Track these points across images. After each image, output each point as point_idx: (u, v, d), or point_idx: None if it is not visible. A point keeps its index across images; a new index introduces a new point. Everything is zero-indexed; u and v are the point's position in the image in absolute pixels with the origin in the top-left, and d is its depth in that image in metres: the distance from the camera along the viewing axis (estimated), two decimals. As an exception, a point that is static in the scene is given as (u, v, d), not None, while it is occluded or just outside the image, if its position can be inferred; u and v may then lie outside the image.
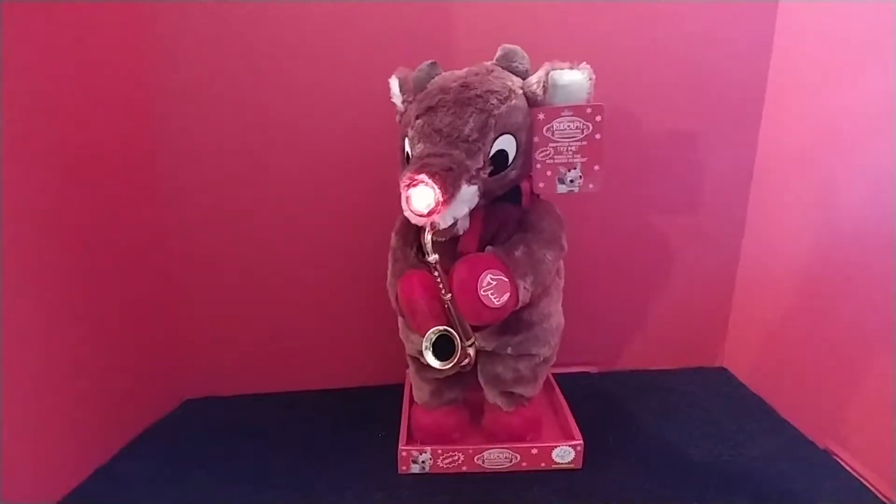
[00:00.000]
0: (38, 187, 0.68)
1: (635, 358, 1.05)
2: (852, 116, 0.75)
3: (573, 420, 0.80)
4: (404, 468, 0.75)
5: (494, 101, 0.63)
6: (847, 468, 0.75)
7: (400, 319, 0.76)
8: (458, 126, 0.62)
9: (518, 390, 0.75)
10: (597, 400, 0.94)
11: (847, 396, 0.77)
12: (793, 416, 0.87)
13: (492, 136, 0.63)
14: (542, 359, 0.74)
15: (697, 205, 0.98)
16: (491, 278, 0.62)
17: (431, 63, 0.69)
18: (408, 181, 0.58)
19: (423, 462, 0.75)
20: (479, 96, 0.63)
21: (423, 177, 0.57)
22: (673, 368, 1.05)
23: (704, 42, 0.88)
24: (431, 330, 0.63)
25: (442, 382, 0.76)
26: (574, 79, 0.64)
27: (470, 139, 0.61)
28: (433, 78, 0.68)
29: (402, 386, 0.92)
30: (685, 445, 0.81)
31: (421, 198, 0.57)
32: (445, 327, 0.63)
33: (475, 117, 0.62)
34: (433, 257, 0.61)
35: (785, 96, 0.88)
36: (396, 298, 0.69)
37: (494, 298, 0.62)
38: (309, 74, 0.87)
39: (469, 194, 0.61)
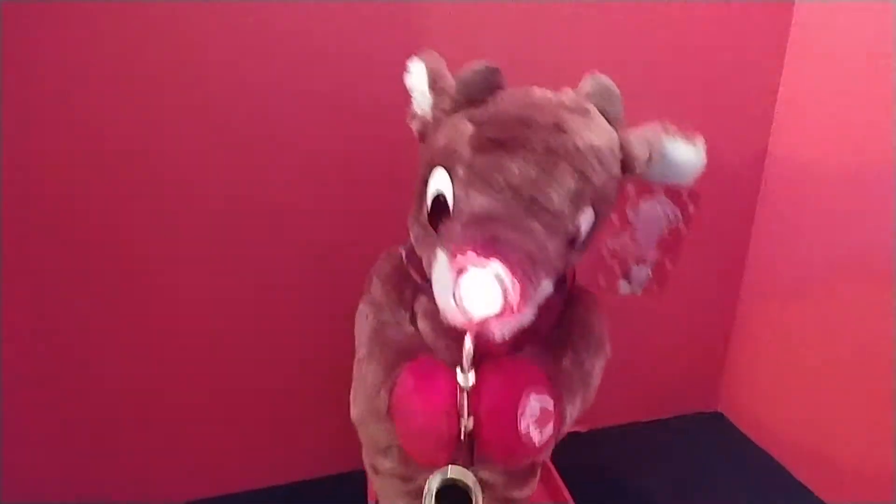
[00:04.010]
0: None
1: (626, 410, 0.95)
2: (869, 130, 0.70)
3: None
4: None
5: (595, 164, 0.43)
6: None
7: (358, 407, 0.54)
8: (544, 188, 0.41)
9: (514, 494, 0.59)
10: (590, 465, 0.83)
11: (860, 450, 0.72)
12: (803, 472, 0.83)
13: (581, 210, 0.43)
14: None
15: (695, 231, 0.86)
16: (534, 403, 0.42)
17: (492, 67, 0.46)
18: (466, 263, 0.37)
19: None
20: (580, 151, 0.42)
21: (496, 265, 0.36)
22: (667, 418, 0.97)
23: (716, 43, 0.78)
24: (440, 472, 0.45)
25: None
26: (690, 156, 0.47)
27: (557, 211, 0.41)
28: (495, 90, 0.46)
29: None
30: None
31: (487, 297, 0.37)
32: (462, 470, 0.44)
33: (570, 180, 0.42)
34: (470, 377, 0.41)
35: (798, 102, 0.81)
36: (388, 390, 0.48)
37: (535, 434, 0.43)
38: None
39: (544, 294, 0.43)
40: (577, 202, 0.42)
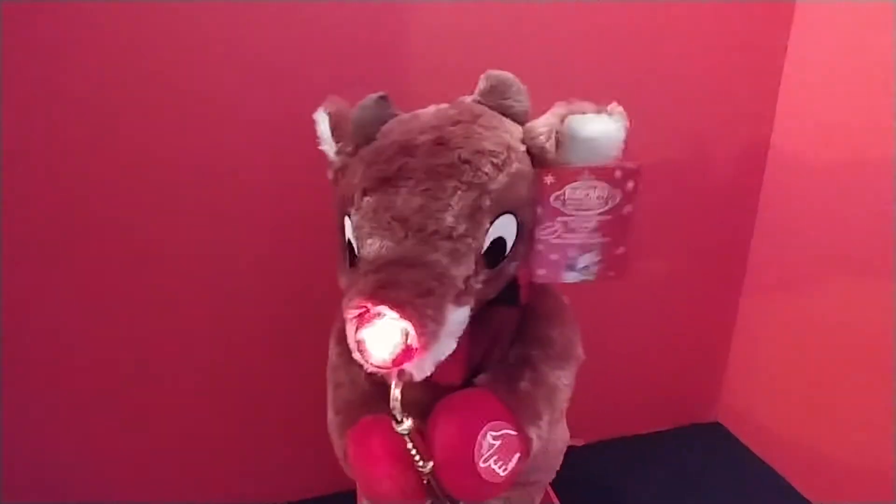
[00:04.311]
0: None
1: (623, 422, 0.92)
2: (869, 127, 0.68)
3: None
4: None
5: (489, 169, 0.41)
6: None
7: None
8: (434, 213, 0.39)
9: None
10: (587, 479, 0.82)
11: (862, 461, 0.70)
12: (803, 483, 0.81)
13: (486, 223, 0.41)
14: (541, 484, 0.57)
15: (695, 240, 0.85)
16: (492, 438, 0.41)
17: (379, 97, 0.45)
18: (357, 315, 0.36)
19: None
20: (466, 162, 0.40)
21: (383, 310, 0.35)
22: (664, 429, 0.94)
23: (719, 42, 0.77)
24: None
25: None
26: (602, 129, 0.42)
27: (455, 234, 0.39)
28: (385, 121, 0.45)
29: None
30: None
31: (383, 342, 0.36)
32: None
33: (461, 197, 0.40)
34: (405, 426, 0.40)
35: (799, 100, 0.79)
36: (345, 456, 0.46)
37: (499, 468, 0.41)
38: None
39: (459, 321, 0.40)
40: (476, 215, 0.40)
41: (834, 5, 0.72)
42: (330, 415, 0.50)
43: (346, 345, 0.49)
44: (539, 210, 0.44)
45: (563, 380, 0.49)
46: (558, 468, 0.59)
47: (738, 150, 0.82)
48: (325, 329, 0.54)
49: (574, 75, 0.70)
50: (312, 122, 0.50)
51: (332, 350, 0.53)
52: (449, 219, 0.39)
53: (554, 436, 0.54)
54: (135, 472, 0.74)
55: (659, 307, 0.87)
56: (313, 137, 0.51)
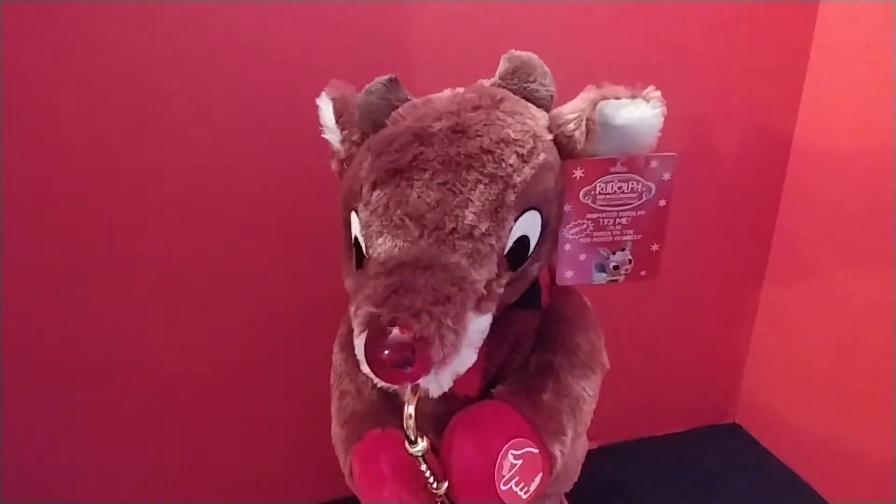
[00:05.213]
0: None
1: (639, 424, 0.89)
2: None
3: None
4: None
5: (513, 160, 0.36)
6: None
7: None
8: (453, 209, 0.35)
9: None
10: (601, 483, 0.79)
11: (887, 464, 0.67)
12: (825, 486, 0.78)
13: (510, 221, 0.37)
14: (557, 495, 0.54)
15: (714, 236, 0.82)
16: (513, 457, 0.38)
17: (390, 80, 0.41)
18: (366, 324, 0.32)
19: None
20: (488, 152, 0.36)
21: (399, 323, 0.31)
22: (681, 431, 0.91)
23: (742, 37, 0.73)
24: None
25: None
26: (638, 116, 0.38)
27: (476, 233, 0.35)
28: (395, 107, 0.41)
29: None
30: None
31: (393, 360, 0.32)
32: None
33: (483, 191, 0.36)
34: (419, 447, 0.36)
35: (822, 97, 0.75)
36: (351, 472, 0.43)
37: (521, 489, 0.38)
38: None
39: (480, 330, 0.36)
40: (500, 212, 0.36)
41: (858, 5, 0.69)
42: (334, 427, 0.46)
43: (352, 351, 0.46)
44: (567, 207, 0.40)
45: (588, 390, 0.45)
46: (576, 479, 0.56)
47: (761, 144, 0.78)
48: (329, 332, 0.51)
49: (593, 68, 0.66)
50: (314, 113, 0.47)
51: (337, 356, 0.49)
52: (469, 216, 0.35)
53: (575, 447, 0.51)
54: (135, 472, 0.72)
55: (676, 306, 0.83)
56: (316, 128, 0.47)
